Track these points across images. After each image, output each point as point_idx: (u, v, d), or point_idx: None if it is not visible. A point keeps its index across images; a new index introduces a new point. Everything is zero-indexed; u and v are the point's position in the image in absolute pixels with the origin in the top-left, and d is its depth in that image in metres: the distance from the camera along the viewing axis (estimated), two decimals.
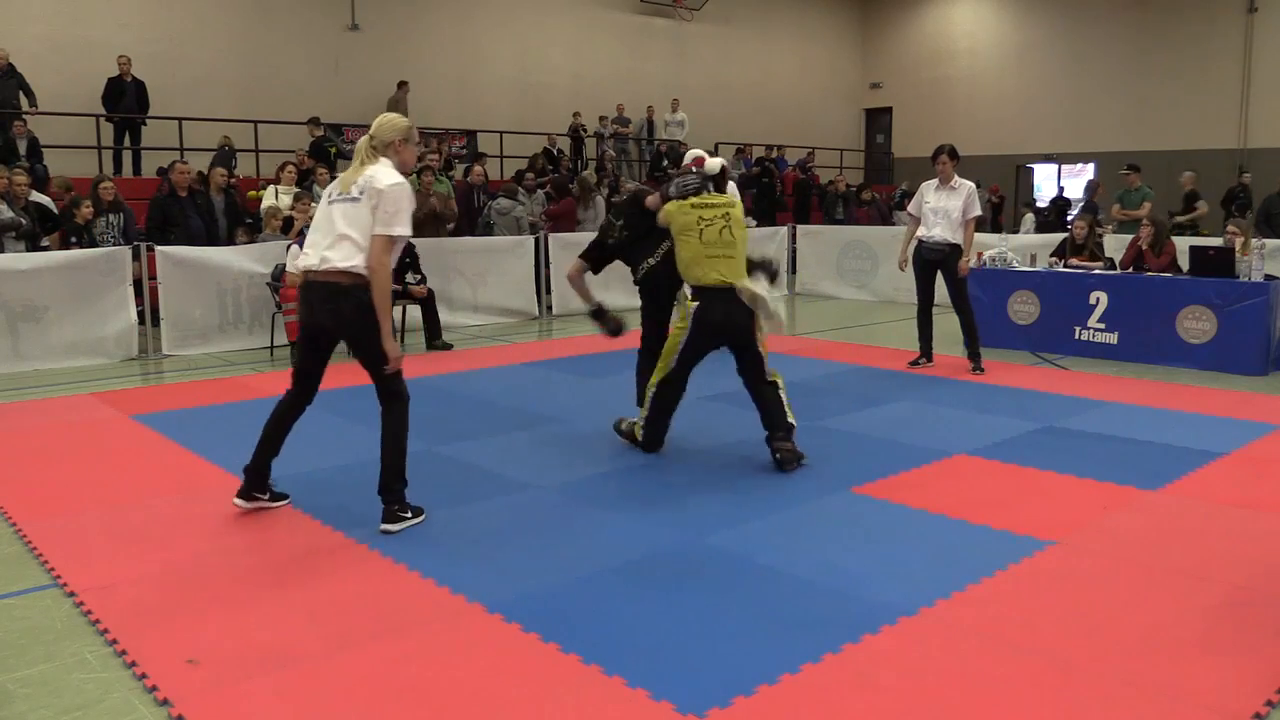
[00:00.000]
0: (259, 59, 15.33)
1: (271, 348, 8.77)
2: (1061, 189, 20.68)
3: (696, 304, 5.03)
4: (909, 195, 10.01)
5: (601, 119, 18.40)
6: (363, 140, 4.14)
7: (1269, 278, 7.98)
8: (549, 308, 11.33)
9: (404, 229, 4.04)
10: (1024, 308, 9.02)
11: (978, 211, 7.81)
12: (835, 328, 10.49)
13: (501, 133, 16.68)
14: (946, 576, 3.63)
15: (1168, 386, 7.27)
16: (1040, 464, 5.16)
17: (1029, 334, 8.96)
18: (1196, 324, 8.08)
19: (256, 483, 4.37)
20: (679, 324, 5.13)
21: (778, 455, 5.07)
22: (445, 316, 9.68)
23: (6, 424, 6.17)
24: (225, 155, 12.96)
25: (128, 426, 6.09)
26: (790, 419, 5.15)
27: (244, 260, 9.06)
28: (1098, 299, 8.53)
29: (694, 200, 5.16)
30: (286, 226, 9.85)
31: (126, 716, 2.74)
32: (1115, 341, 8.47)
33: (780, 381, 5.22)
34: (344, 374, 7.81)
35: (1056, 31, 20.92)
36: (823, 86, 23.41)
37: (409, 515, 4.25)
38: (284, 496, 4.53)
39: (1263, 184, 16.31)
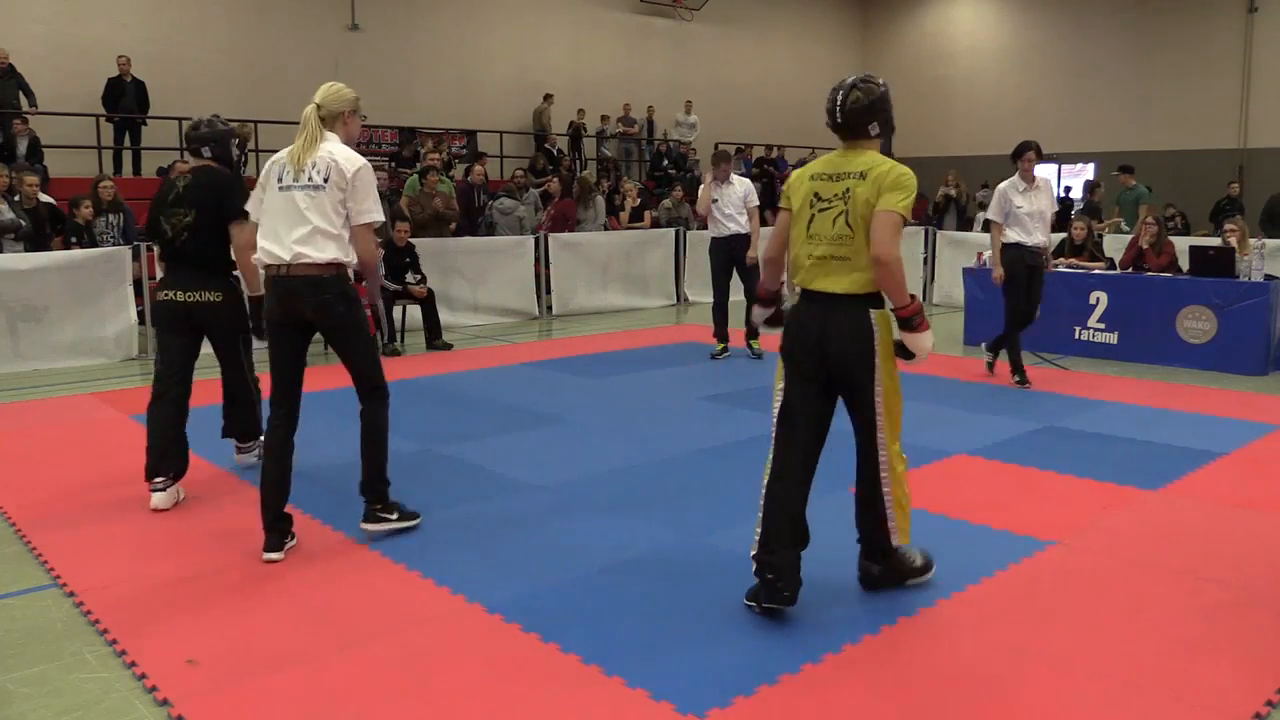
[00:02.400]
0: (259, 59, 15.32)
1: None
2: (1068, 190, 20.66)
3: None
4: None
5: (604, 118, 18.39)
6: (309, 110, 3.88)
7: (1269, 278, 7.98)
8: (549, 308, 11.33)
9: (379, 214, 3.91)
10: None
11: (1055, 207, 7.40)
12: None
13: (501, 133, 16.68)
14: (946, 576, 3.63)
15: (1168, 386, 7.27)
16: (1040, 464, 5.16)
17: (1029, 334, 8.92)
18: (1196, 324, 8.08)
19: (283, 528, 3.93)
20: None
21: (860, 576, 3.60)
22: (445, 316, 9.68)
23: (6, 424, 6.17)
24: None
25: (128, 426, 6.08)
26: (895, 538, 3.47)
27: None
28: (1098, 299, 8.53)
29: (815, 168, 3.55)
30: None
31: (126, 716, 2.74)
32: (1115, 341, 8.47)
33: (899, 467, 3.44)
34: (341, 375, 7.81)
35: (1056, 31, 20.91)
36: (823, 86, 22.75)
37: (394, 517, 4.13)
38: (413, 515, 4.23)
39: (1262, 184, 16.33)
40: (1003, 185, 7.22)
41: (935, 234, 12.63)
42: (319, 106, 3.90)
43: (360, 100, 4.08)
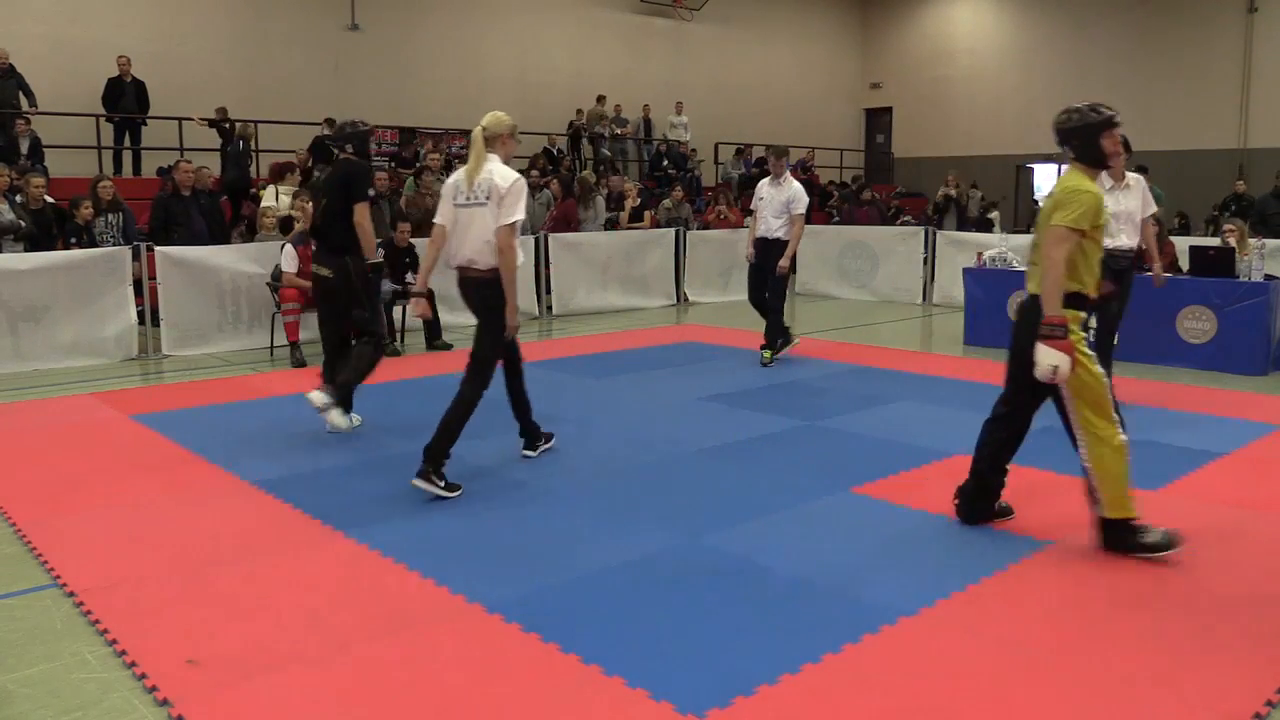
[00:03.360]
0: (259, 59, 15.32)
1: (271, 348, 8.76)
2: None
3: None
4: (908, 195, 9.94)
5: (602, 119, 18.40)
6: (476, 132, 4.73)
7: (1269, 278, 7.98)
8: (549, 308, 11.33)
9: (521, 215, 4.68)
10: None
11: (1154, 208, 6.44)
12: (835, 328, 10.49)
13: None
14: (946, 576, 3.63)
15: (1168, 386, 7.27)
16: (1040, 464, 5.15)
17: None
18: (1196, 324, 8.08)
19: (533, 434, 5.29)
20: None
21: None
22: (445, 316, 9.66)
23: (6, 424, 6.17)
24: (238, 151, 13.03)
25: (128, 426, 6.09)
26: (1101, 509, 3.81)
27: (244, 260, 9.06)
28: None
29: None
30: (284, 226, 9.85)
31: (126, 716, 2.74)
32: (1115, 341, 8.45)
33: (1098, 447, 3.77)
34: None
35: (1056, 31, 20.91)
36: (823, 86, 23.39)
37: (441, 485, 4.62)
38: (455, 487, 4.74)
39: (1262, 184, 16.33)
40: None
41: (935, 234, 12.63)
42: (484, 129, 4.73)
43: (516, 126, 4.92)
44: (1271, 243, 9.29)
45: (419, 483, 4.60)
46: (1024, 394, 4.06)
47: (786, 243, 7.82)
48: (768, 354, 8.14)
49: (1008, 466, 4.21)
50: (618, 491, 4.76)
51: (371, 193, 5.77)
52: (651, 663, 2.99)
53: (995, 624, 3.27)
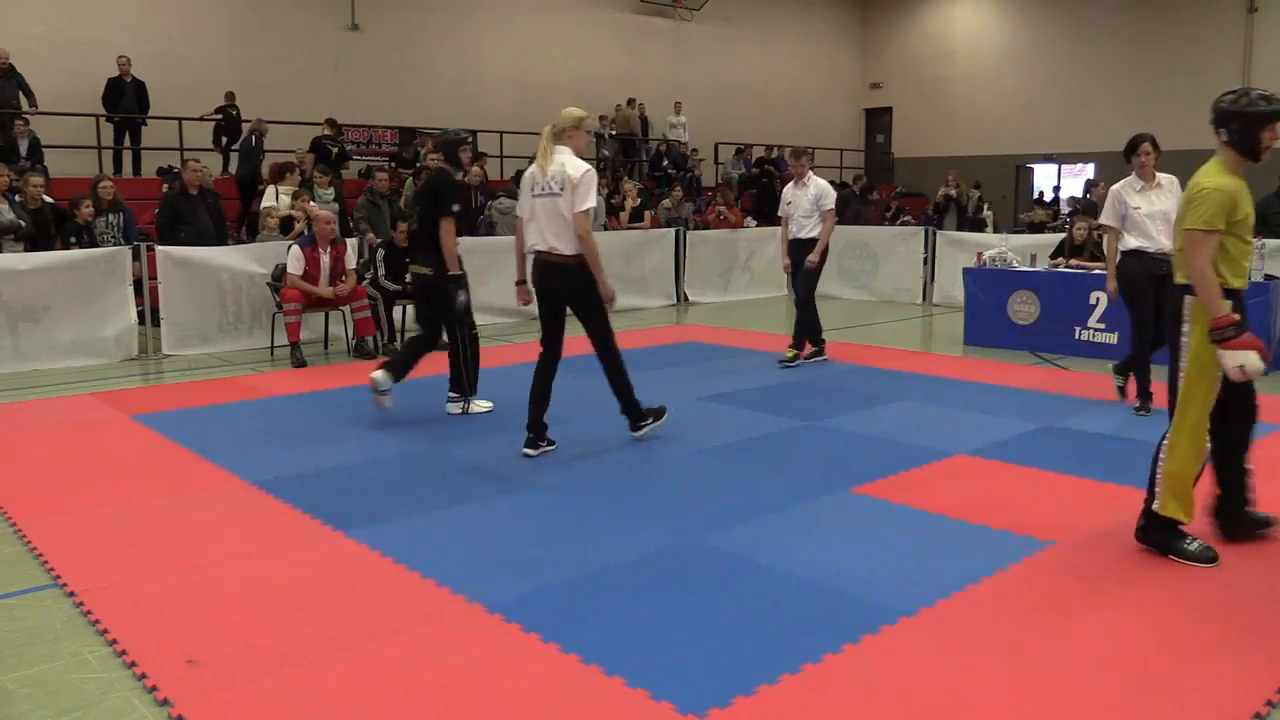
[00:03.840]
0: (259, 59, 15.32)
1: (272, 348, 8.76)
2: (1057, 190, 20.64)
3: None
4: (907, 195, 9.93)
5: (601, 118, 18.40)
6: (547, 128, 5.14)
7: (1269, 277, 7.98)
8: None
9: (593, 202, 5.08)
10: (1024, 308, 9.02)
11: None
12: (835, 328, 10.47)
13: (501, 133, 16.68)
14: (946, 576, 3.63)
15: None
16: (1040, 464, 5.16)
17: (1029, 334, 8.96)
18: None
19: (540, 433, 5.36)
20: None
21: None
22: None
23: (6, 424, 6.17)
24: (250, 148, 13.08)
25: (128, 426, 6.09)
26: (1155, 502, 3.87)
27: (244, 260, 9.06)
28: (1098, 299, 8.52)
29: None
30: (285, 227, 9.85)
31: (126, 716, 2.74)
32: (1115, 341, 8.47)
33: (1182, 447, 3.81)
34: (342, 375, 7.81)
35: (1056, 31, 20.91)
36: (823, 86, 23.39)
37: (649, 420, 5.55)
38: (660, 412, 5.67)
39: (1262, 185, 16.33)
40: (1116, 186, 6.36)
41: (935, 234, 12.63)
42: (554, 125, 5.12)
43: (588, 118, 5.34)
44: (1271, 243, 9.28)
45: (636, 434, 5.54)
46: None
47: (814, 240, 7.87)
48: (791, 353, 8.09)
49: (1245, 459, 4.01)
50: (618, 492, 4.77)
51: (456, 207, 6.04)
52: (651, 663, 2.99)
53: (995, 624, 3.27)
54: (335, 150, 13.11)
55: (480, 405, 6.48)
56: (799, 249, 7.95)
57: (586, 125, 5.32)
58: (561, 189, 5.03)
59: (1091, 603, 3.44)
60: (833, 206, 7.94)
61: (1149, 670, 2.97)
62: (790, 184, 8.14)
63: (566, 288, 5.23)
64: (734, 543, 4.02)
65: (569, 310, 5.35)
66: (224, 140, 14.15)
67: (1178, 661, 3.02)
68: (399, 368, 6.21)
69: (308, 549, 3.99)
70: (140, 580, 3.66)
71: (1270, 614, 3.36)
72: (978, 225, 16.96)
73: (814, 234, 7.88)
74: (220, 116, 14.10)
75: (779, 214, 8.31)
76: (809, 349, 8.20)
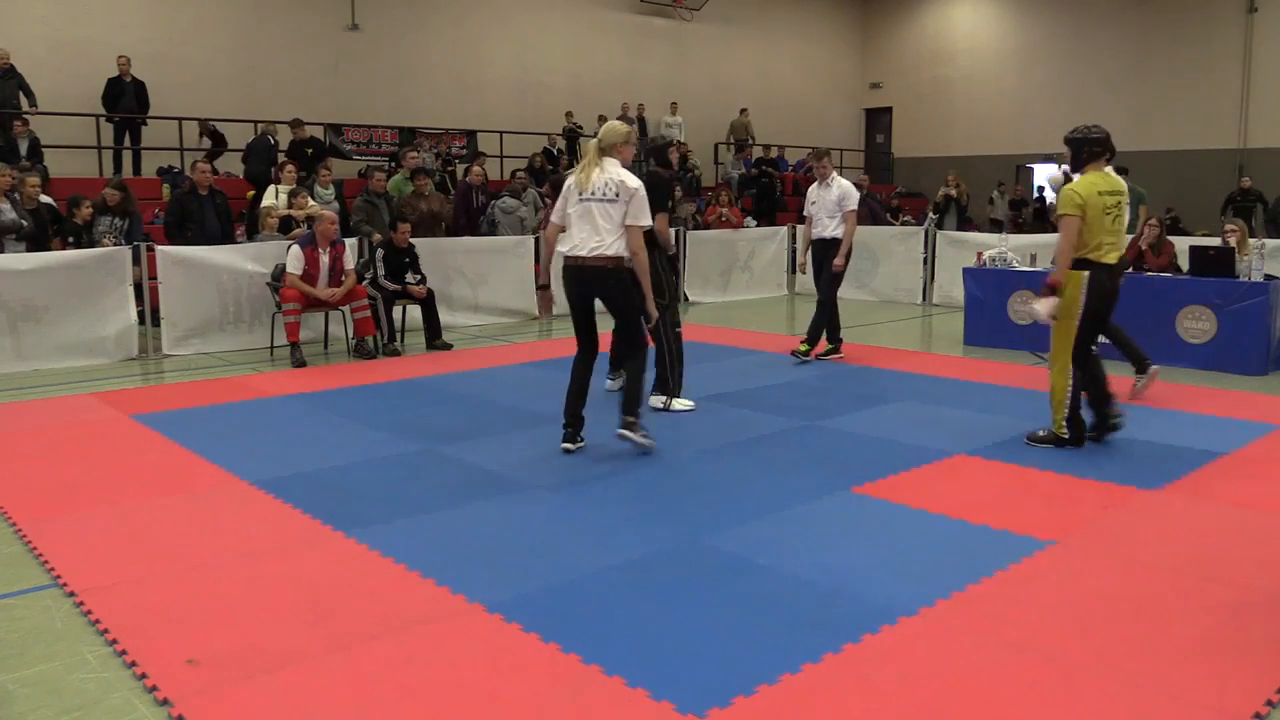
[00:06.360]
0: (259, 59, 15.32)
1: (271, 348, 8.76)
2: (1040, 189, 20.62)
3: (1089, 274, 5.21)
4: (908, 195, 9.95)
5: (602, 119, 18.39)
6: (591, 144, 5.25)
7: (1269, 277, 7.98)
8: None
9: (649, 219, 5.22)
10: (1024, 308, 9.01)
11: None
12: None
13: (501, 133, 16.69)
14: (946, 576, 3.63)
15: (1168, 386, 7.26)
16: (1040, 464, 5.16)
17: (1029, 334, 8.95)
18: (1196, 324, 8.08)
19: (579, 425, 5.42)
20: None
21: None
22: (445, 316, 9.68)
23: (6, 424, 6.17)
24: (266, 146, 13.10)
25: (128, 426, 6.09)
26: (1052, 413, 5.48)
27: (244, 260, 9.06)
28: None
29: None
30: (284, 226, 9.85)
31: (126, 716, 2.74)
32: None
33: (1057, 377, 5.42)
34: (342, 375, 7.81)
35: (1056, 32, 20.90)
36: (823, 86, 23.39)
37: (638, 435, 5.29)
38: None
39: (1262, 184, 16.33)
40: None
41: (935, 234, 12.63)
42: (599, 140, 5.24)
43: (632, 132, 5.39)
44: (1271, 243, 9.28)
45: (624, 433, 5.27)
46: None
47: (837, 240, 7.96)
48: (804, 348, 8.15)
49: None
50: (618, 492, 4.76)
51: (670, 204, 6.17)
52: (651, 663, 2.99)
53: (995, 624, 3.27)
54: (311, 151, 13.04)
55: (682, 404, 6.44)
56: (822, 248, 8.10)
57: (632, 139, 5.37)
58: (618, 195, 5.08)
59: (1091, 603, 3.44)
60: (855, 208, 8.03)
61: (1149, 670, 2.97)
62: (814, 184, 8.22)
63: (609, 291, 5.22)
64: (734, 543, 4.02)
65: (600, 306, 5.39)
66: (212, 146, 14.16)
67: (1178, 661, 3.02)
68: (668, 381, 6.38)
69: (308, 549, 3.99)
70: (140, 580, 3.66)
71: (1270, 614, 3.36)
72: (997, 225, 17.03)
73: (837, 234, 8.00)
74: (202, 130, 14.08)
75: (804, 213, 8.40)
76: (824, 346, 8.29)
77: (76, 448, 5.59)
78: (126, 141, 13.62)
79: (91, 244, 8.87)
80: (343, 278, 8.46)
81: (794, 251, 13.85)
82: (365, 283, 8.84)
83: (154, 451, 5.51)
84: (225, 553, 3.95)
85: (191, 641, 3.14)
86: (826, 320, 8.20)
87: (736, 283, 13.38)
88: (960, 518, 4.32)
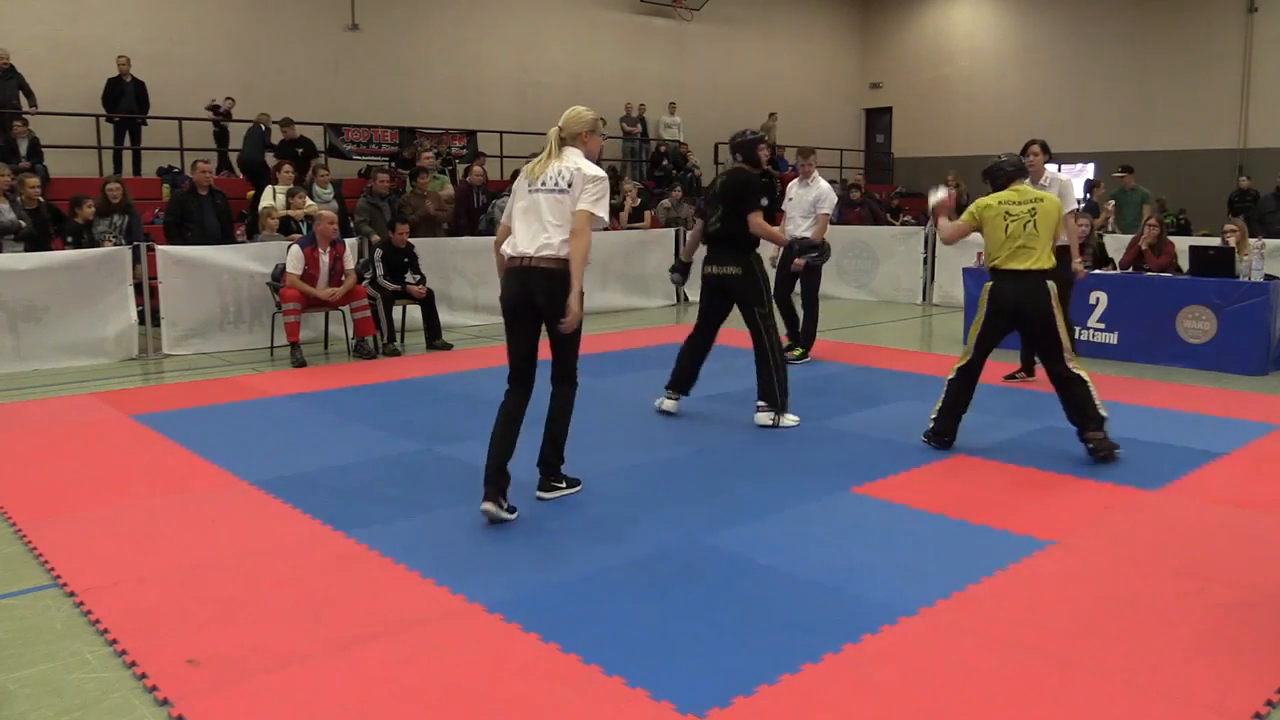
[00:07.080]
0: (259, 59, 15.32)
1: (271, 348, 8.76)
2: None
3: (991, 284, 5.32)
4: (908, 195, 9.95)
5: (602, 119, 18.39)
6: (552, 131, 4.43)
7: (1269, 278, 7.98)
8: None
9: (605, 212, 4.38)
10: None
11: (1074, 204, 7.08)
12: (835, 328, 10.47)
13: (501, 133, 16.68)
14: (946, 576, 3.63)
15: (1168, 386, 7.27)
16: (1040, 464, 5.16)
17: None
18: (1196, 324, 8.08)
19: (502, 484, 4.34)
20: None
21: (1091, 447, 5.14)
22: (445, 316, 9.68)
23: (6, 424, 6.17)
24: (260, 134, 13.10)
25: (128, 426, 6.09)
26: (1102, 411, 5.15)
27: (244, 260, 9.06)
28: (1097, 299, 8.53)
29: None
30: (284, 226, 9.85)
31: (126, 716, 2.74)
32: (1115, 341, 8.47)
33: (1086, 376, 5.18)
34: (342, 375, 7.81)
35: (1056, 31, 20.90)
36: (823, 86, 23.38)
37: (563, 485, 4.64)
38: (576, 482, 4.73)
39: (1262, 185, 16.33)
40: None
41: (935, 234, 12.62)
42: (560, 129, 4.43)
43: (599, 121, 4.61)
44: (1271, 243, 9.28)
45: (544, 495, 4.59)
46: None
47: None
48: (799, 351, 8.12)
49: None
50: (618, 491, 4.76)
51: (765, 201, 6.00)
52: (651, 663, 2.99)
53: (995, 624, 3.27)
54: (301, 150, 13.03)
55: (790, 420, 6.02)
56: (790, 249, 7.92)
57: (600, 129, 4.59)
58: (570, 185, 4.28)
59: (1091, 603, 3.44)
60: (828, 212, 7.93)
61: (1149, 670, 2.97)
62: (796, 181, 8.16)
63: (553, 299, 4.30)
64: (734, 543, 4.02)
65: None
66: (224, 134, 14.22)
67: (1178, 661, 3.02)
68: (775, 396, 6.04)
69: (308, 549, 3.99)
70: (140, 580, 3.66)
71: (1270, 614, 3.36)
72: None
73: (808, 234, 7.83)
74: (216, 116, 14.10)
75: (781, 207, 8.30)
76: (788, 340, 8.13)
77: (76, 448, 5.58)
78: (126, 141, 13.62)
79: (92, 244, 8.87)
80: (343, 278, 8.46)
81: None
82: (365, 283, 8.84)
83: (154, 451, 5.51)
84: (225, 553, 3.95)
85: (191, 641, 3.14)
86: (816, 319, 8.15)
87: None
88: (960, 518, 4.32)
